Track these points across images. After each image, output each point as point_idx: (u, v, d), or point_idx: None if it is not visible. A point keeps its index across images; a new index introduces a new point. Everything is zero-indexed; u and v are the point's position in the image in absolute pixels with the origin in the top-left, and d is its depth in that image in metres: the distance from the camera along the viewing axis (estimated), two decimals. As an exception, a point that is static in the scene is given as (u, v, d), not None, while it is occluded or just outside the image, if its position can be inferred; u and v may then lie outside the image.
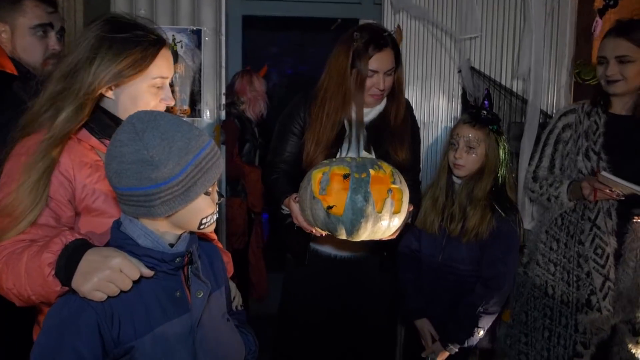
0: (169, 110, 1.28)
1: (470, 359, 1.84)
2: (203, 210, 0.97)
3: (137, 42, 1.09)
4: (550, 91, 2.33)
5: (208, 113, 2.59)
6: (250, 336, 1.21)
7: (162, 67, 1.15)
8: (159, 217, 0.94)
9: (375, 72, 1.69)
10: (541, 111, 2.22)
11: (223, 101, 2.61)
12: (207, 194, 0.97)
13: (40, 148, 1.07)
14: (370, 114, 1.80)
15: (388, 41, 1.70)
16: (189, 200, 0.93)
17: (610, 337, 1.82)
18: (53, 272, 0.94)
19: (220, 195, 1.02)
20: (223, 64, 2.60)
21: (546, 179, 1.94)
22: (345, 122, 1.77)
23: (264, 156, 3.01)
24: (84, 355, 0.89)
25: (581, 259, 1.82)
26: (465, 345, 1.75)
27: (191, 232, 1.03)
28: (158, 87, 1.17)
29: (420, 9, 2.30)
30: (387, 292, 1.90)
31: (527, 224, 2.20)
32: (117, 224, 0.98)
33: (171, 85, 1.26)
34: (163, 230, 0.97)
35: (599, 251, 1.78)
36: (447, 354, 1.76)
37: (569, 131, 1.90)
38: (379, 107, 1.81)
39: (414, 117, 1.93)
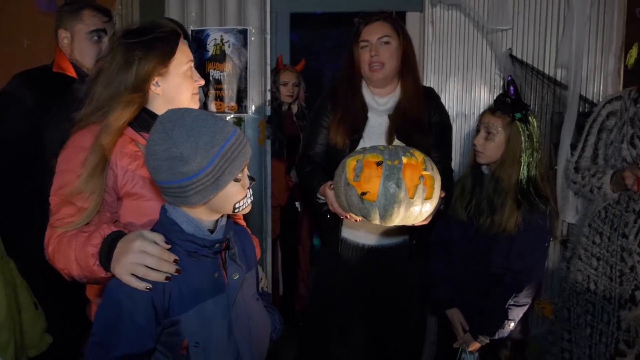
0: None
1: (502, 350, 1.82)
2: (234, 196, 1.06)
3: (159, 39, 1.24)
4: (596, 79, 2.24)
5: (253, 108, 2.71)
6: (276, 315, 1.30)
7: (186, 52, 1.30)
8: (196, 205, 1.04)
9: (368, 42, 1.78)
10: (587, 100, 2.15)
11: (268, 97, 2.72)
12: (236, 180, 1.05)
13: (96, 143, 1.20)
14: (389, 102, 1.85)
15: (379, 16, 1.79)
16: (219, 189, 1.02)
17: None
18: (97, 262, 1.07)
19: (251, 179, 1.10)
20: (268, 62, 2.70)
21: (589, 169, 1.89)
22: (369, 110, 1.83)
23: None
24: (141, 325, 1.00)
25: (625, 252, 1.76)
26: (496, 337, 1.74)
27: (227, 219, 1.13)
28: (191, 71, 1.31)
29: (455, 1, 2.30)
30: (417, 280, 1.92)
31: (572, 218, 2.14)
32: (164, 210, 1.09)
33: None
34: (202, 216, 1.07)
35: (645, 244, 1.72)
36: (478, 345, 1.76)
37: (613, 119, 1.84)
38: (395, 95, 1.85)
39: (441, 104, 1.94)
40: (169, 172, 0.99)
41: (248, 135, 2.74)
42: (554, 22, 2.30)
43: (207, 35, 2.70)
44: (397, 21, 1.83)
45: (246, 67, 2.70)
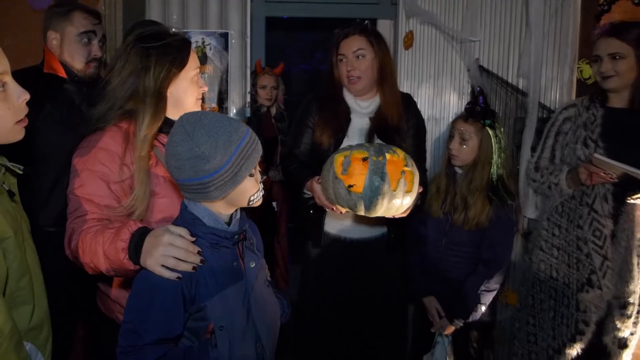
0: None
1: (472, 333, 2.01)
2: (249, 190, 1.15)
3: (174, 46, 1.33)
4: (553, 88, 2.48)
5: (234, 110, 2.80)
6: (284, 300, 1.40)
7: (195, 59, 1.40)
8: (216, 200, 1.13)
9: (344, 55, 1.92)
10: (545, 107, 2.37)
11: (248, 99, 2.82)
12: (251, 175, 1.14)
13: (137, 156, 1.28)
14: (371, 106, 2.00)
15: (355, 30, 1.92)
16: (237, 184, 1.11)
17: (606, 314, 1.96)
18: (127, 256, 1.13)
19: (262, 174, 1.21)
20: (248, 65, 2.80)
21: (547, 168, 2.09)
22: (351, 112, 1.98)
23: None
24: (171, 311, 1.08)
25: (580, 241, 1.97)
26: (470, 319, 1.92)
27: (241, 212, 1.22)
28: (197, 76, 1.41)
29: (429, 14, 2.49)
30: (395, 270, 2.08)
31: (532, 214, 2.35)
32: (184, 206, 1.17)
33: None
34: (220, 210, 1.16)
35: (597, 233, 1.93)
36: (453, 328, 1.94)
37: (569, 123, 2.05)
38: (376, 99, 2.00)
39: (417, 110, 2.10)
40: (191, 171, 1.07)
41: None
42: (517, 35, 2.53)
43: (189, 38, 2.77)
44: (372, 32, 1.95)
45: (227, 70, 2.79)
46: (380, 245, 2.03)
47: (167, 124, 1.33)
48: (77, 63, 1.95)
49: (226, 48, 2.79)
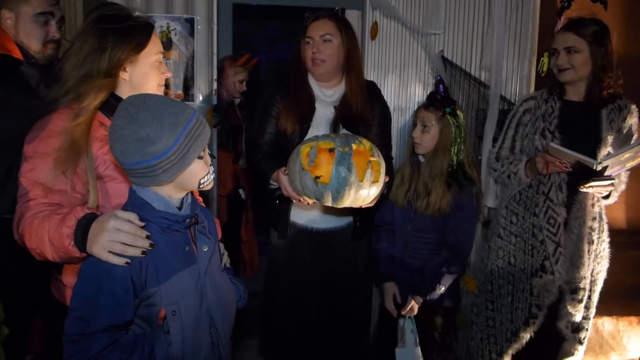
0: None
1: (436, 317, 2.08)
2: (199, 172, 1.14)
3: (134, 27, 1.31)
4: (513, 81, 2.55)
5: (201, 97, 2.75)
6: (241, 286, 1.41)
7: (158, 44, 1.38)
8: (165, 183, 1.11)
9: (311, 38, 1.92)
10: (505, 99, 2.45)
11: (214, 87, 2.77)
12: (200, 157, 1.13)
13: (69, 127, 1.24)
14: (335, 94, 2.01)
15: (325, 14, 1.94)
16: (185, 166, 1.10)
17: (559, 299, 2.06)
18: (72, 243, 1.11)
19: (212, 156, 1.20)
20: (215, 52, 2.75)
21: (507, 158, 2.16)
22: (316, 101, 1.98)
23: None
24: (120, 297, 1.06)
25: (536, 229, 2.06)
26: (428, 298, 1.99)
27: (192, 196, 1.22)
28: (159, 62, 1.39)
29: (391, 8, 2.51)
30: (360, 258, 2.12)
31: (492, 203, 2.43)
32: (133, 190, 1.15)
33: None
34: (169, 194, 1.14)
35: (552, 221, 2.02)
36: (413, 303, 1.99)
37: (528, 115, 2.13)
38: (341, 88, 2.01)
39: (382, 97, 2.12)
40: (137, 154, 1.05)
41: (195, 123, 2.78)
42: (479, 28, 2.58)
43: (153, 22, 2.70)
44: (342, 20, 1.96)
45: (193, 56, 2.74)
46: (347, 234, 2.06)
47: None
48: (34, 44, 1.87)
49: (192, 34, 2.73)
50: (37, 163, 1.25)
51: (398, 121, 2.70)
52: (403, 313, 2.00)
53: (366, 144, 1.68)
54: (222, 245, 1.52)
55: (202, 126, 1.12)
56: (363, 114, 1.97)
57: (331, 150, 1.62)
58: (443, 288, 1.98)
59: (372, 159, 1.65)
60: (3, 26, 1.87)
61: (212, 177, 1.19)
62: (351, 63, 1.97)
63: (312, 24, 1.94)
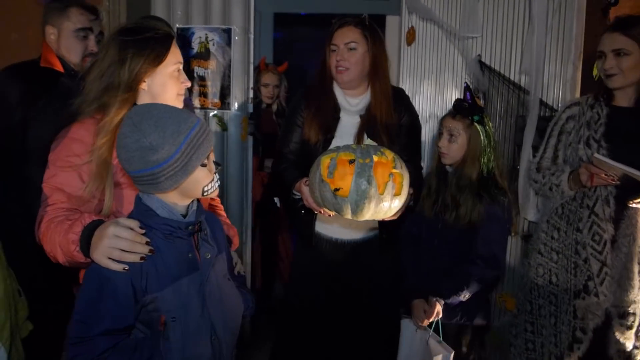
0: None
1: (463, 336, 1.94)
2: (202, 180, 1.15)
3: (153, 39, 1.33)
4: (556, 85, 2.38)
5: (236, 105, 2.79)
6: (248, 295, 1.39)
7: (177, 54, 1.39)
8: (168, 190, 1.13)
9: (336, 45, 1.88)
10: (547, 105, 2.29)
11: (251, 95, 2.81)
12: (203, 165, 1.14)
13: (100, 147, 1.28)
14: (361, 103, 1.95)
15: (351, 21, 1.88)
16: (188, 173, 1.11)
17: (606, 322, 1.87)
18: (78, 248, 1.15)
19: (217, 164, 1.20)
20: (251, 60, 2.78)
21: (549, 168, 2.01)
22: (341, 110, 1.94)
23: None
24: (121, 303, 1.08)
25: (579, 246, 1.89)
26: (449, 301, 1.83)
27: (198, 203, 1.22)
28: (178, 72, 1.40)
29: (428, 10, 2.43)
30: (387, 272, 2.03)
31: (532, 216, 2.27)
32: (139, 198, 1.18)
33: None
34: (174, 201, 1.16)
35: (597, 238, 1.85)
36: (438, 307, 1.84)
37: (572, 122, 1.97)
38: (367, 96, 1.95)
39: (411, 106, 2.05)
40: (140, 162, 1.07)
41: (231, 131, 2.82)
42: (519, 30, 2.43)
43: (192, 33, 2.78)
44: (368, 27, 1.90)
45: (229, 65, 2.79)
46: (372, 246, 1.99)
47: None
48: (74, 57, 1.99)
49: (229, 44, 2.79)
50: (58, 169, 1.30)
51: (433, 129, 2.60)
52: (430, 320, 1.89)
53: (389, 155, 1.62)
54: (235, 254, 1.51)
55: (205, 134, 1.13)
56: (388, 123, 1.91)
57: (351, 162, 1.58)
58: (467, 295, 1.84)
59: (394, 170, 1.59)
60: (47, 41, 1.99)
61: (216, 184, 1.20)
62: (377, 71, 1.91)
63: (338, 31, 1.90)
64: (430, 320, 1.85)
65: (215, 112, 2.80)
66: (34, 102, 1.86)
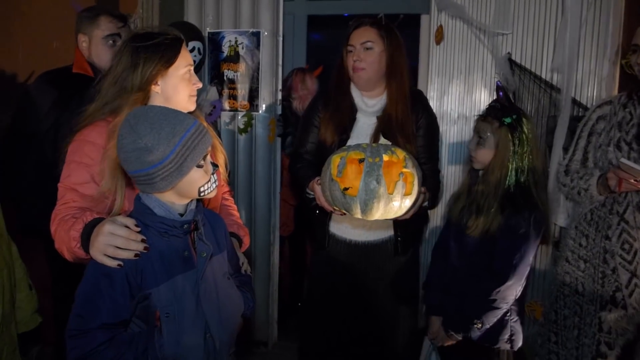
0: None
1: (501, 350, 1.77)
2: (198, 181, 1.18)
3: (164, 44, 1.39)
4: (590, 83, 2.23)
5: (264, 107, 2.83)
6: (249, 294, 1.41)
7: (187, 57, 1.44)
8: (164, 190, 1.16)
9: (353, 46, 1.87)
10: (580, 104, 2.16)
11: (279, 97, 2.84)
12: (199, 166, 1.17)
13: (113, 150, 1.31)
14: (378, 104, 1.93)
15: (367, 21, 1.87)
16: (183, 174, 1.14)
17: (637, 338, 1.75)
18: (79, 245, 1.21)
19: (214, 166, 1.22)
20: (280, 63, 2.82)
21: (578, 172, 1.90)
22: (358, 111, 1.92)
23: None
24: (117, 298, 1.13)
25: (607, 254, 1.78)
26: (461, 335, 1.72)
27: (197, 204, 1.25)
28: (189, 73, 1.45)
29: (458, 7, 2.35)
30: (402, 274, 1.99)
31: (563, 221, 2.14)
32: (138, 197, 1.22)
33: None
34: (171, 200, 1.19)
35: (626, 246, 1.73)
36: (449, 341, 1.77)
37: (602, 123, 1.85)
38: (384, 97, 1.92)
39: (429, 107, 2.00)
40: (137, 162, 1.12)
41: (259, 132, 2.87)
42: (552, 26, 2.30)
43: (223, 37, 2.85)
44: (385, 27, 1.89)
45: (258, 68, 2.83)
46: (388, 248, 1.97)
47: None
48: (104, 63, 2.09)
49: (258, 47, 2.83)
50: (72, 170, 1.38)
51: (462, 130, 2.52)
52: (428, 338, 1.83)
53: (400, 154, 1.59)
54: (242, 255, 1.53)
55: (200, 136, 1.16)
56: (404, 124, 1.88)
57: (361, 161, 1.58)
58: (482, 326, 1.69)
59: (405, 170, 1.57)
60: (80, 48, 2.11)
61: (213, 185, 1.22)
62: (393, 70, 1.89)
63: (354, 32, 1.90)
64: (446, 345, 1.80)
65: (244, 113, 2.86)
66: (66, 106, 1.97)
